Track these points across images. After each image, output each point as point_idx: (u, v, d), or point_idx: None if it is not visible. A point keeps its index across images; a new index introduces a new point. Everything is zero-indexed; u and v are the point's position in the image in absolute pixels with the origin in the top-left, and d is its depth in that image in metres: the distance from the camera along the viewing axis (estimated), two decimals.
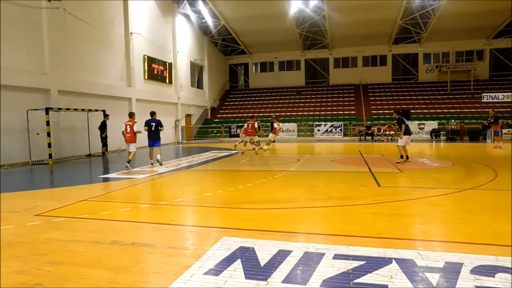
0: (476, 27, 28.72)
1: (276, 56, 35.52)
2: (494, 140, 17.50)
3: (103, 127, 15.62)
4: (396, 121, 11.64)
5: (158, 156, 11.42)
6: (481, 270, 3.10)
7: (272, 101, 33.13)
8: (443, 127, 24.46)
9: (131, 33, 19.89)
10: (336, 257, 3.45)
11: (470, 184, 7.58)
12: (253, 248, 3.69)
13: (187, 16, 27.57)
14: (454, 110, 27.60)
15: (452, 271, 3.11)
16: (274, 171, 9.70)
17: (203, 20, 28.73)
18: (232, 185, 7.81)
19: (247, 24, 29.16)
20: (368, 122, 26.08)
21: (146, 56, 21.59)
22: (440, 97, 29.87)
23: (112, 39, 18.62)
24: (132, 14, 20.05)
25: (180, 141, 26.02)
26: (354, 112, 29.42)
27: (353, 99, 31.76)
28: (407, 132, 11.01)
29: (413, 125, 25.96)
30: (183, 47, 26.59)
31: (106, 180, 9.31)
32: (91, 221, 5.11)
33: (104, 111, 16.10)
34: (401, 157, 11.07)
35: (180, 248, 3.92)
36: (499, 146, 16.16)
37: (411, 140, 11.53)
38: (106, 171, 11.53)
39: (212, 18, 28.42)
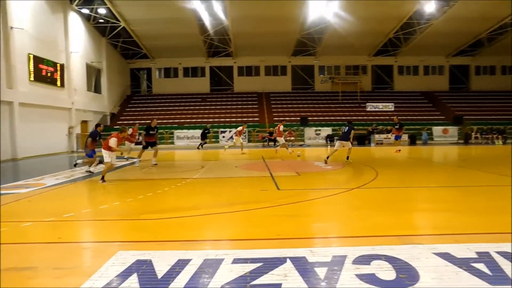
0: (360, 45, 32.46)
1: (180, 62, 35.02)
2: (394, 143, 19.01)
3: None
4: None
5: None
6: (360, 260, 3.49)
7: (177, 108, 32.51)
8: (336, 133, 26.95)
9: (11, 28, 17.54)
10: (235, 261, 3.52)
11: (356, 183, 8.49)
12: (150, 261, 3.55)
13: (82, 15, 25.46)
14: (345, 117, 30.59)
15: (337, 263, 3.43)
16: (177, 179, 9.50)
17: (101, 20, 26.87)
18: (132, 195, 7.41)
19: (150, 27, 28.15)
20: (271, 129, 27.32)
21: (31, 55, 19.23)
22: (333, 105, 32.94)
23: None
24: (11, 6, 17.66)
25: (75, 149, 23.74)
26: (258, 118, 30.59)
27: (257, 106, 33.02)
28: (340, 137, 13.16)
29: (310, 131, 28.19)
30: (77, 47, 24.45)
31: None
32: None
33: None
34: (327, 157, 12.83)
35: (68, 268, 3.56)
36: (399, 150, 17.50)
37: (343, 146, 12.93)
38: None
39: (111, 19, 26.75)
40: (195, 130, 27.48)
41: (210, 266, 3.40)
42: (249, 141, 27.22)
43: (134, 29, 28.71)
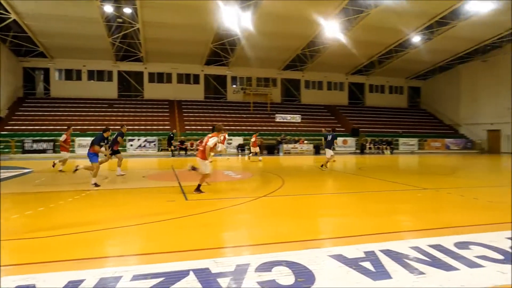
0: (270, 59, 34.04)
1: (84, 64, 32.42)
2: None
3: None
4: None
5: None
6: (262, 267, 3.58)
7: (80, 113, 29.88)
8: (247, 142, 27.60)
9: None
10: (135, 277, 3.33)
11: (263, 192, 8.76)
12: (34, 286, 3.15)
13: None
14: (256, 127, 31.62)
15: (240, 272, 3.47)
16: (76, 191, 8.67)
17: None
18: (19, 210, 6.53)
19: (49, 24, 25.49)
20: (182, 137, 26.84)
21: None
22: (245, 115, 33.75)
23: None
24: None
25: None
26: (169, 127, 29.75)
27: (168, 114, 32.15)
28: (325, 146, 13.89)
29: None
30: None
31: None
32: None
33: None
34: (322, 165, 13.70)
35: None
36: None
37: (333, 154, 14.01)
38: None
39: None
40: None
41: (106, 285, 3.16)
42: (159, 150, 26.29)
43: (28, 24, 25.68)
